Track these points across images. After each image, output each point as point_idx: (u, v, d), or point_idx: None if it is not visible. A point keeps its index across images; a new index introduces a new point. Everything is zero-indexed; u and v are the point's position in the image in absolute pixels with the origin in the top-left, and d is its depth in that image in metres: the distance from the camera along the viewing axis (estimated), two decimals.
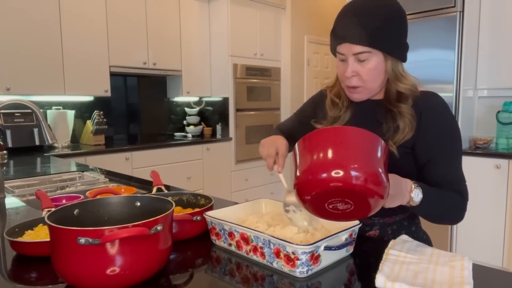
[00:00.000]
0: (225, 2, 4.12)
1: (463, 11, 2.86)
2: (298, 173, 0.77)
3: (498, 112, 3.02)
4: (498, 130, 3.02)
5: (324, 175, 0.73)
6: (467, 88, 3.05)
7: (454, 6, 2.87)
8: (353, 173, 0.71)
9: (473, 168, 2.92)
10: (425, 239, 1.16)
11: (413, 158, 1.02)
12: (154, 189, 1.34)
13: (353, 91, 1.03)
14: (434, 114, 1.00)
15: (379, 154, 0.77)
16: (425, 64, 3.03)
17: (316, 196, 0.75)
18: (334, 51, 1.03)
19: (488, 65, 3.13)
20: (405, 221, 1.11)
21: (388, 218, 1.08)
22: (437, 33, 2.95)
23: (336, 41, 1.00)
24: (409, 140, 0.99)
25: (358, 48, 0.95)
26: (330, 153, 0.75)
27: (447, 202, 0.97)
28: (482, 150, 2.95)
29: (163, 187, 1.35)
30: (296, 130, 1.23)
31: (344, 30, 0.97)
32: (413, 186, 0.89)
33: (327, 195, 0.75)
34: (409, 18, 3.07)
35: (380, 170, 0.75)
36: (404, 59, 1.01)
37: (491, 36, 3.09)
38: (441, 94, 1.06)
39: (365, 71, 0.98)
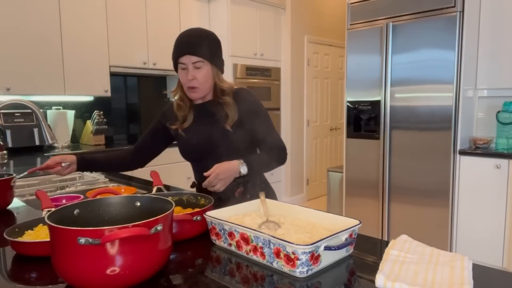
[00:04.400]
0: (225, 2, 4.12)
1: (463, 11, 2.86)
2: None
3: (498, 112, 3.02)
4: (498, 130, 3.02)
5: None
6: (467, 88, 3.05)
7: (454, 6, 2.87)
8: None
9: (473, 168, 2.92)
10: (266, 186, 1.54)
11: (244, 131, 1.43)
12: (154, 189, 1.33)
13: (192, 91, 1.41)
14: (246, 102, 1.45)
15: None
16: (425, 64, 3.02)
17: None
18: (176, 63, 1.41)
19: (488, 65, 3.13)
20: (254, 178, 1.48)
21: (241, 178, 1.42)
22: (437, 33, 2.95)
23: (179, 54, 1.38)
24: (237, 121, 1.41)
25: (196, 59, 1.37)
26: None
27: (268, 159, 1.40)
28: (482, 150, 2.95)
29: (163, 187, 1.35)
30: (147, 143, 1.63)
31: (186, 47, 1.37)
32: (239, 165, 1.31)
33: None
34: (409, 18, 3.07)
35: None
36: (223, 71, 1.47)
37: (491, 36, 3.09)
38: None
39: (200, 75, 1.39)
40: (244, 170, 1.31)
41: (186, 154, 1.55)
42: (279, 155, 1.44)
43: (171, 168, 3.60)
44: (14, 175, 1.35)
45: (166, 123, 1.55)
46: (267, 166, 1.42)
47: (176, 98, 1.51)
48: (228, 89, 1.45)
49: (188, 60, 1.37)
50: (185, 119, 1.49)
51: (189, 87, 1.41)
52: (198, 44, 1.37)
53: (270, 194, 1.52)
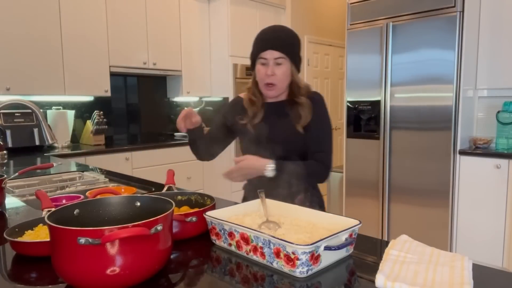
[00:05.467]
0: (225, 2, 4.12)
1: (463, 11, 2.86)
2: None
3: (498, 112, 3.02)
4: (498, 130, 3.02)
5: None
6: (467, 88, 3.05)
7: (454, 6, 2.87)
8: None
9: (473, 168, 2.92)
10: (317, 197, 1.51)
11: (309, 134, 1.42)
12: (165, 188, 1.34)
13: (270, 88, 1.41)
14: (319, 107, 1.45)
15: None
16: (425, 64, 3.02)
17: None
18: (255, 58, 1.42)
19: (488, 65, 3.13)
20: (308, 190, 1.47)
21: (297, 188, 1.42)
22: (437, 33, 2.95)
23: (261, 49, 1.38)
24: (309, 122, 1.40)
25: (278, 54, 1.36)
26: None
27: (306, 171, 1.35)
28: (482, 150, 2.95)
29: (173, 186, 1.35)
30: (213, 137, 1.59)
31: (269, 42, 1.37)
32: (268, 167, 1.33)
33: None
34: (409, 18, 3.07)
35: None
36: (300, 71, 1.46)
37: (491, 36, 3.09)
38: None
39: (280, 71, 1.38)
40: (269, 173, 1.33)
41: (250, 150, 1.47)
42: (319, 172, 1.41)
43: (171, 168, 3.60)
44: (5, 176, 1.35)
45: (231, 117, 1.54)
46: (300, 178, 1.36)
47: (248, 93, 1.53)
48: (304, 89, 1.45)
49: (270, 55, 1.37)
50: (256, 115, 1.48)
51: (267, 84, 1.41)
52: (282, 40, 1.38)
53: (319, 206, 1.48)
